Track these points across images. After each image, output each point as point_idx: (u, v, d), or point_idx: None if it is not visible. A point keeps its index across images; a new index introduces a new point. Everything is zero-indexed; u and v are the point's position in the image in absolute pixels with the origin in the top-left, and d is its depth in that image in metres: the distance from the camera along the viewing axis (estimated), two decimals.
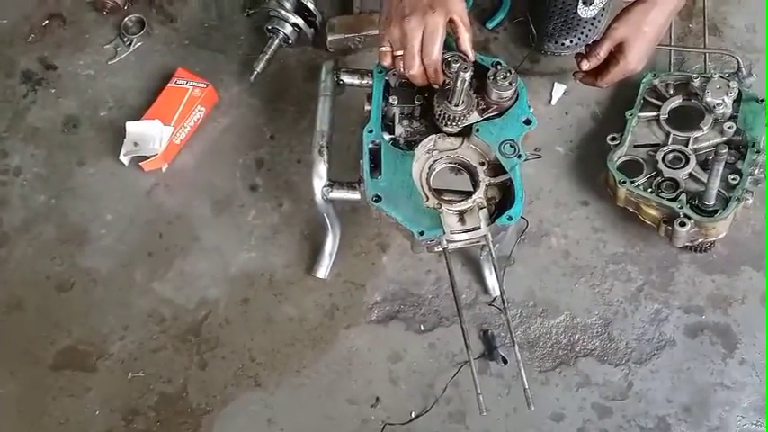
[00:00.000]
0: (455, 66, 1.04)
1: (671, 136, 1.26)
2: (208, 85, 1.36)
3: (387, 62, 1.07)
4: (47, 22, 1.45)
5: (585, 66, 1.24)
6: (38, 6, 1.47)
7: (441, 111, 1.06)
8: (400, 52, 1.05)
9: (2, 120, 1.38)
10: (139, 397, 1.20)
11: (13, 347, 1.23)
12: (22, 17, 1.46)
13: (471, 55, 1.06)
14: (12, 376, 1.21)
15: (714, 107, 1.25)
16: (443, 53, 1.05)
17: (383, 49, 1.07)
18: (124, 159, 1.33)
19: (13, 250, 1.29)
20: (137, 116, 1.34)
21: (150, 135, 1.31)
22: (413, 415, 1.19)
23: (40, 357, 1.22)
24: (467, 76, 1.01)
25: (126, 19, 1.44)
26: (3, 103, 1.39)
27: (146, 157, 1.31)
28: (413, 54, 1.04)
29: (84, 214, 1.31)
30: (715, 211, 1.18)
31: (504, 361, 1.22)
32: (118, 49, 1.43)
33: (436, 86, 1.07)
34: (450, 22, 1.04)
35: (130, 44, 1.43)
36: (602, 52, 1.22)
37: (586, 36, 1.37)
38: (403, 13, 1.03)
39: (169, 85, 1.35)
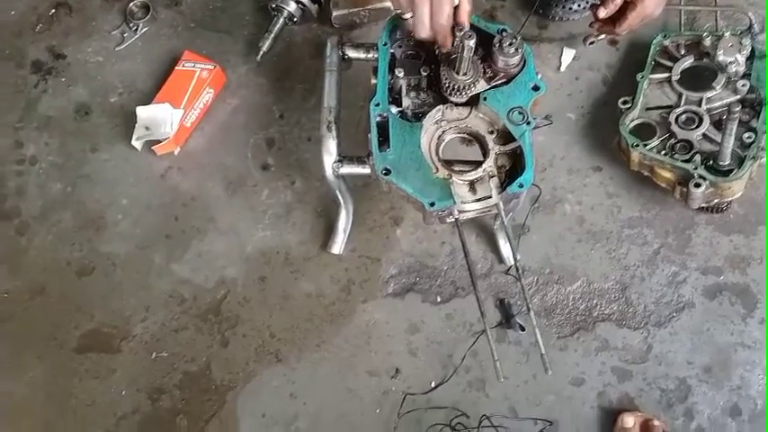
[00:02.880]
0: (459, 34, 1.03)
1: (683, 97, 1.25)
2: (215, 67, 1.36)
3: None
4: (53, 11, 1.46)
5: (603, 13, 1.21)
6: None
7: (447, 81, 1.06)
8: (409, 15, 1.04)
9: (15, 110, 1.39)
10: (164, 376, 1.22)
11: (39, 332, 1.25)
12: (29, 7, 1.47)
13: (467, 26, 1.05)
14: (38, 361, 1.24)
15: (727, 65, 1.23)
16: None
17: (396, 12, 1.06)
18: (137, 144, 1.34)
19: (33, 238, 1.31)
20: (147, 101, 1.35)
21: (161, 119, 1.32)
22: (433, 384, 1.20)
23: (64, 341, 1.24)
24: (471, 43, 1.00)
25: (131, 4, 1.44)
26: (15, 93, 1.41)
27: (158, 141, 1.32)
28: (422, 19, 1.03)
29: (101, 200, 1.33)
30: (730, 171, 1.17)
31: (522, 329, 1.22)
32: (125, 35, 1.44)
33: (445, 50, 1.06)
34: None
35: (137, 29, 1.44)
36: None
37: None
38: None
39: (177, 67, 1.36)
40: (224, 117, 1.38)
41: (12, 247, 1.30)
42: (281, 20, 1.38)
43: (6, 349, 1.24)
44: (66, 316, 1.26)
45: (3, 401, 1.21)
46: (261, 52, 1.38)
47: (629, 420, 1.15)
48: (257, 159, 1.35)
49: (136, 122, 1.33)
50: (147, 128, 1.32)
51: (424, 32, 1.04)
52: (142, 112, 1.33)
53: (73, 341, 1.25)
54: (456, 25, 1.04)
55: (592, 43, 1.34)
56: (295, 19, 1.39)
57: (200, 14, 1.45)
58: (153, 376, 1.22)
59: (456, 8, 1.04)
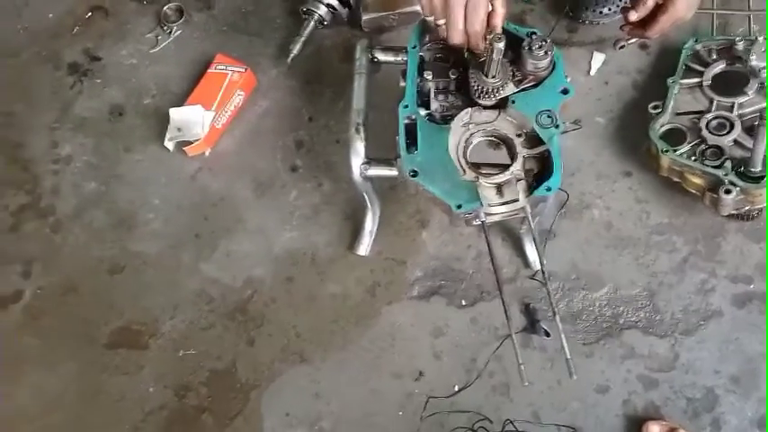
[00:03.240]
0: (489, 37, 1.04)
1: (714, 102, 1.23)
2: (246, 70, 1.38)
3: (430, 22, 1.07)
4: (90, 14, 1.50)
5: (633, 16, 1.20)
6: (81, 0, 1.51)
7: (476, 83, 1.06)
8: (442, 21, 1.04)
9: (52, 111, 1.43)
10: (191, 373, 1.24)
11: (70, 329, 1.28)
12: (66, 11, 1.50)
13: (500, 30, 1.05)
14: (70, 356, 1.26)
15: (759, 71, 1.21)
16: None
17: (427, 18, 1.07)
18: (169, 145, 1.36)
19: (66, 236, 1.34)
20: (179, 102, 1.38)
21: (193, 120, 1.34)
22: (456, 388, 1.20)
23: (95, 337, 1.27)
24: (501, 46, 1.00)
25: (165, 8, 1.47)
26: (52, 94, 1.44)
27: (189, 142, 1.34)
28: (456, 25, 1.03)
29: (133, 200, 1.36)
30: (761, 177, 1.15)
31: (547, 334, 1.22)
32: (159, 38, 1.47)
33: (476, 54, 1.06)
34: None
35: (170, 32, 1.46)
36: (651, 0, 1.19)
37: (624, 2, 1.34)
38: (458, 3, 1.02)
39: (209, 70, 1.38)
40: (254, 119, 1.40)
41: (46, 244, 1.33)
42: (312, 23, 1.40)
43: (39, 344, 1.27)
44: (97, 313, 1.28)
45: (35, 395, 1.24)
46: (291, 55, 1.39)
47: (655, 429, 1.14)
48: (286, 161, 1.36)
49: (168, 124, 1.35)
50: (179, 129, 1.35)
51: (457, 38, 1.04)
52: (175, 113, 1.35)
53: (103, 337, 1.27)
54: (488, 29, 1.05)
55: (622, 47, 1.33)
56: (325, 22, 1.41)
57: (231, 18, 1.47)
58: (180, 373, 1.24)
59: (490, 13, 1.04)
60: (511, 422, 1.16)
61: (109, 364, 1.25)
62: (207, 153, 1.37)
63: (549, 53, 1.06)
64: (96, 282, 1.30)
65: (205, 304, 1.28)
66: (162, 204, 1.35)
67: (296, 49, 1.39)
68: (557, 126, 1.05)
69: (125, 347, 1.26)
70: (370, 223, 1.27)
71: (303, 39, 1.40)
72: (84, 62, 1.46)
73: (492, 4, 1.04)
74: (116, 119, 1.42)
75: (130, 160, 1.38)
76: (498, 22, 1.04)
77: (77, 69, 1.46)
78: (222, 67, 1.38)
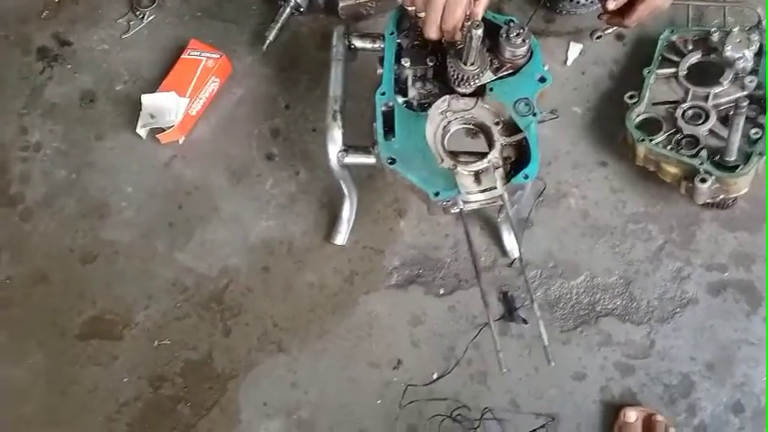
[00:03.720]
0: (466, 24, 1.03)
1: (690, 92, 1.24)
2: (221, 56, 1.36)
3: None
4: None
5: (612, 5, 1.19)
6: None
7: (454, 71, 1.05)
8: (422, 14, 1.04)
9: (20, 96, 1.39)
10: (166, 364, 1.22)
11: (41, 319, 1.25)
12: None
13: (479, 18, 1.04)
14: (40, 347, 1.23)
15: (734, 61, 1.22)
16: None
17: (407, 8, 1.06)
18: (141, 132, 1.34)
19: (36, 225, 1.31)
20: (152, 89, 1.35)
21: (166, 107, 1.32)
22: (435, 376, 1.20)
23: (66, 328, 1.24)
24: (479, 33, 0.99)
25: None
26: (20, 79, 1.40)
27: (162, 130, 1.32)
28: (434, 20, 1.03)
29: (105, 187, 1.33)
30: (736, 167, 1.16)
31: (525, 322, 1.22)
32: (131, 23, 1.44)
33: (454, 42, 1.06)
34: None
35: (143, 17, 1.44)
36: None
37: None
38: None
39: (182, 56, 1.36)
40: (229, 106, 1.38)
41: (15, 233, 1.30)
42: (288, 10, 1.38)
43: (7, 335, 1.24)
44: (69, 303, 1.26)
45: (3, 387, 1.21)
46: (267, 42, 1.38)
47: (632, 415, 1.15)
48: (262, 149, 1.35)
49: (141, 110, 1.33)
50: (151, 116, 1.32)
51: (433, 33, 1.04)
52: (147, 99, 1.33)
53: (75, 328, 1.25)
54: (466, 17, 1.04)
55: (599, 37, 1.34)
56: (302, 9, 1.39)
57: (206, 3, 1.45)
58: (155, 364, 1.22)
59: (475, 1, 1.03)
60: (490, 410, 1.17)
61: (81, 355, 1.23)
62: (181, 141, 1.35)
63: (527, 41, 1.06)
64: (67, 271, 1.28)
65: (180, 294, 1.26)
66: (135, 192, 1.33)
67: (272, 35, 1.38)
68: (534, 114, 1.05)
69: (98, 338, 1.24)
70: (347, 212, 1.26)
71: (279, 25, 1.38)
72: (54, 47, 1.43)
73: None
74: (87, 105, 1.39)
75: (102, 147, 1.36)
76: (480, 10, 1.04)
77: (47, 54, 1.43)
78: (196, 53, 1.36)
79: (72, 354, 1.23)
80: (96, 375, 1.22)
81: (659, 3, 1.19)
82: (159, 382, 1.21)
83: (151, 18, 1.44)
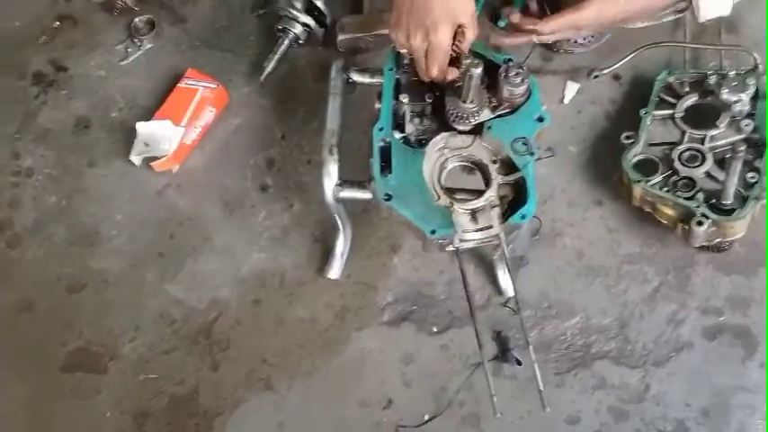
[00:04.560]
0: (465, 62, 1.03)
1: (687, 134, 1.24)
2: (218, 86, 1.35)
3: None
4: (58, 23, 1.46)
5: (516, 18, 1.11)
6: (49, 8, 1.47)
7: (452, 108, 1.05)
8: (408, 59, 1.08)
9: (13, 121, 1.38)
10: (151, 399, 1.19)
11: (24, 349, 1.22)
12: (33, 19, 1.46)
13: (466, 52, 1.05)
14: (22, 378, 1.21)
15: (731, 104, 1.23)
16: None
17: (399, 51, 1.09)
18: (135, 160, 1.32)
19: (24, 251, 1.29)
20: (147, 117, 1.34)
21: (161, 135, 1.31)
22: (426, 418, 1.18)
23: (50, 359, 1.22)
24: (478, 71, 0.99)
25: (136, 20, 1.44)
26: (14, 104, 1.40)
27: (156, 158, 1.31)
28: (421, 66, 1.06)
29: (96, 215, 1.31)
30: (733, 210, 1.15)
31: (519, 363, 1.20)
32: (128, 50, 1.43)
33: (451, 82, 1.06)
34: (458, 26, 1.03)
35: (141, 45, 1.43)
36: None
37: (599, 33, 1.36)
38: (408, 29, 1.03)
39: (179, 85, 1.35)
40: (225, 136, 1.37)
41: (1, 259, 1.28)
42: (287, 42, 1.38)
43: None
44: (54, 333, 1.23)
45: None
46: (265, 73, 1.37)
47: None
48: (256, 180, 1.34)
49: (135, 138, 1.32)
50: (146, 144, 1.31)
51: (424, 77, 1.07)
52: (142, 127, 1.32)
53: (59, 359, 1.22)
54: (459, 55, 1.04)
55: (596, 77, 1.34)
56: (300, 41, 1.39)
57: (204, 33, 1.45)
58: (139, 398, 1.19)
59: (459, 42, 1.04)
60: None
61: (64, 387, 1.20)
62: (175, 170, 1.34)
63: (526, 81, 1.06)
64: (54, 300, 1.25)
65: (168, 326, 1.24)
66: (126, 221, 1.31)
67: (270, 66, 1.37)
68: (532, 153, 1.04)
69: (82, 370, 1.21)
70: (341, 246, 1.25)
71: (277, 57, 1.38)
72: (50, 72, 1.42)
73: (462, 30, 1.03)
74: (81, 131, 1.38)
75: (94, 174, 1.34)
76: (465, 48, 1.04)
77: (42, 79, 1.42)
78: (193, 82, 1.35)
79: (55, 386, 1.20)
80: (79, 409, 1.19)
81: (586, 23, 1.11)
82: (143, 419, 1.18)
83: (149, 46, 1.44)
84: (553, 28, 1.11)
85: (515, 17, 1.14)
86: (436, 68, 1.04)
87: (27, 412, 1.19)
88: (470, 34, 1.04)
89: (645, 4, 1.15)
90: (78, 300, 1.26)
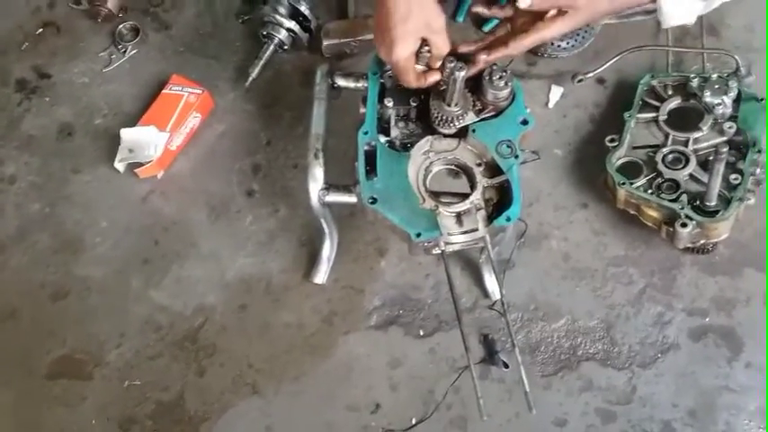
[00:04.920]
0: (449, 66, 1.03)
1: (670, 137, 1.25)
2: (203, 92, 1.35)
3: None
4: (41, 30, 1.45)
5: (524, 2, 1.07)
6: (32, 15, 1.46)
7: (437, 112, 1.05)
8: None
9: None
10: (136, 405, 1.18)
11: (8, 357, 1.21)
12: (15, 26, 1.46)
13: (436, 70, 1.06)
14: (6, 386, 1.19)
15: (713, 107, 1.24)
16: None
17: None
18: (119, 166, 1.32)
19: (8, 259, 1.28)
20: (132, 123, 1.34)
21: (145, 141, 1.30)
22: (413, 421, 1.18)
23: (34, 367, 1.21)
24: (461, 75, 1.00)
25: (120, 26, 1.44)
26: None
27: (141, 164, 1.30)
28: (398, 75, 1.07)
29: (80, 222, 1.30)
30: (716, 212, 1.16)
31: (506, 365, 1.20)
32: (112, 57, 1.43)
33: (435, 86, 1.06)
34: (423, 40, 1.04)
35: (125, 51, 1.43)
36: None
37: (582, 38, 1.37)
38: (377, 44, 1.05)
39: (164, 91, 1.35)
40: (210, 142, 1.37)
41: None
42: (272, 47, 1.38)
43: None
44: (38, 341, 1.22)
45: None
46: (250, 78, 1.37)
47: None
48: (242, 186, 1.33)
49: (120, 144, 1.31)
50: (130, 150, 1.31)
51: (403, 83, 1.08)
52: (126, 133, 1.31)
53: (43, 367, 1.21)
54: (447, 58, 1.04)
55: (580, 81, 1.35)
56: (285, 47, 1.39)
57: (189, 39, 1.45)
58: (124, 405, 1.18)
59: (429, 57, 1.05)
60: None
61: (48, 395, 1.19)
62: (159, 175, 1.33)
63: (509, 84, 1.06)
64: (38, 307, 1.24)
65: (153, 332, 1.23)
66: (110, 227, 1.30)
67: (255, 72, 1.37)
68: (516, 156, 1.05)
69: (66, 377, 1.20)
70: (327, 250, 1.24)
71: (262, 62, 1.38)
72: (33, 79, 1.41)
73: (429, 42, 1.03)
74: (65, 138, 1.37)
75: (78, 181, 1.33)
76: (434, 62, 1.05)
77: (25, 86, 1.41)
78: (178, 88, 1.35)
79: (39, 394, 1.19)
80: (64, 417, 1.18)
81: (550, 36, 1.11)
82: (128, 425, 1.17)
83: (133, 52, 1.43)
84: (525, 46, 1.12)
85: (478, 7, 1.15)
86: (406, 80, 1.06)
87: (12, 421, 1.18)
88: (440, 46, 1.04)
89: (610, 10, 1.16)
90: (62, 307, 1.25)
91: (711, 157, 1.15)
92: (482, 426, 1.15)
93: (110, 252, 1.28)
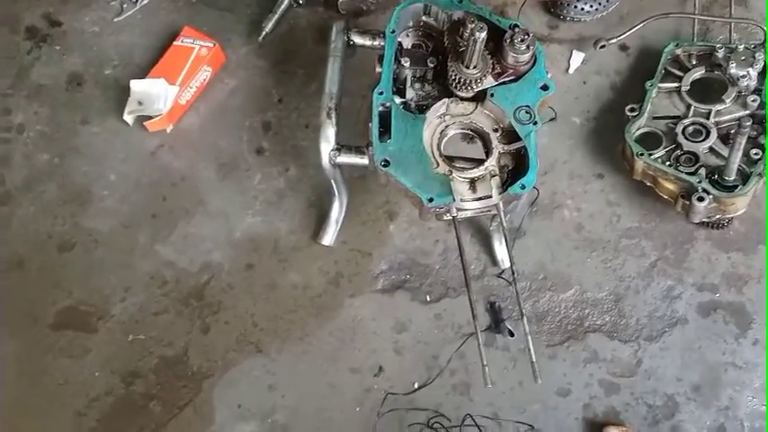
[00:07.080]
0: (470, 26, 1.00)
1: (692, 108, 1.22)
2: (215, 45, 1.32)
3: None
4: None
5: None
6: None
7: (454, 74, 1.03)
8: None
9: (6, 76, 1.35)
10: (140, 360, 1.19)
11: (14, 307, 1.21)
12: None
13: None
14: (12, 336, 1.20)
15: (738, 79, 1.20)
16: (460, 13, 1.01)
17: None
18: (128, 119, 1.30)
19: (15, 209, 1.27)
20: (142, 75, 1.31)
21: (155, 94, 1.28)
22: (416, 386, 1.17)
23: (40, 317, 1.21)
24: (482, 35, 0.97)
25: None
26: (7, 59, 1.36)
27: (150, 117, 1.28)
28: None
29: (88, 174, 1.29)
30: (735, 187, 1.14)
31: (511, 334, 1.19)
32: (124, 6, 1.40)
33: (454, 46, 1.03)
34: None
35: (137, 1, 1.40)
36: None
37: (607, 1, 1.32)
38: None
39: (175, 43, 1.32)
40: (221, 97, 1.34)
41: None
42: (287, 1, 1.35)
43: None
44: (44, 291, 1.22)
45: None
46: (263, 33, 1.34)
47: None
48: (252, 143, 1.31)
49: (129, 96, 1.29)
50: (140, 102, 1.28)
51: None
52: (136, 86, 1.29)
53: (49, 317, 1.21)
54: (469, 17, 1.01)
55: (603, 47, 1.31)
56: (300, 1, 1.36)
57: None
58: (128, 359, 1.19)
59: None
60: (471, 416, 1.14)
61: (54, 345, 1.19)
62: (169, 129, 1.31)
63: (531, 47, 1.03)
64: (44, 258, 1.24)
65: (158, 288, 1.23)
66: (118, 181, 1.29)
67: (269, 26, 1.34)
68: (535, 123, 1.02)
69: (71, 329, 1.20)
70: (336, 212, 1.23)
71: (277, 17, 1.35)
72: (44, 27, 1.39)
73: None
74: (74, 88, 1.35)
75: (87, 132, 1.32)
76: None
77: (36, 34, 1.38)
78: (189, 40, 1.32)
79: (44, 344, 1.19)
80: (68, 368, 1.18)
81: None
82: (132, 378, 1.18)
83: (145, 2, 1.40)
84: None
85: None
86: None
87: (17, 369, 1.18)
88: None
89: None
90: (69, 259, 1.24)
91: (733, 131, 1.12)
92: (485, 392, 1.15)
93: (117, 205, 1.27)
